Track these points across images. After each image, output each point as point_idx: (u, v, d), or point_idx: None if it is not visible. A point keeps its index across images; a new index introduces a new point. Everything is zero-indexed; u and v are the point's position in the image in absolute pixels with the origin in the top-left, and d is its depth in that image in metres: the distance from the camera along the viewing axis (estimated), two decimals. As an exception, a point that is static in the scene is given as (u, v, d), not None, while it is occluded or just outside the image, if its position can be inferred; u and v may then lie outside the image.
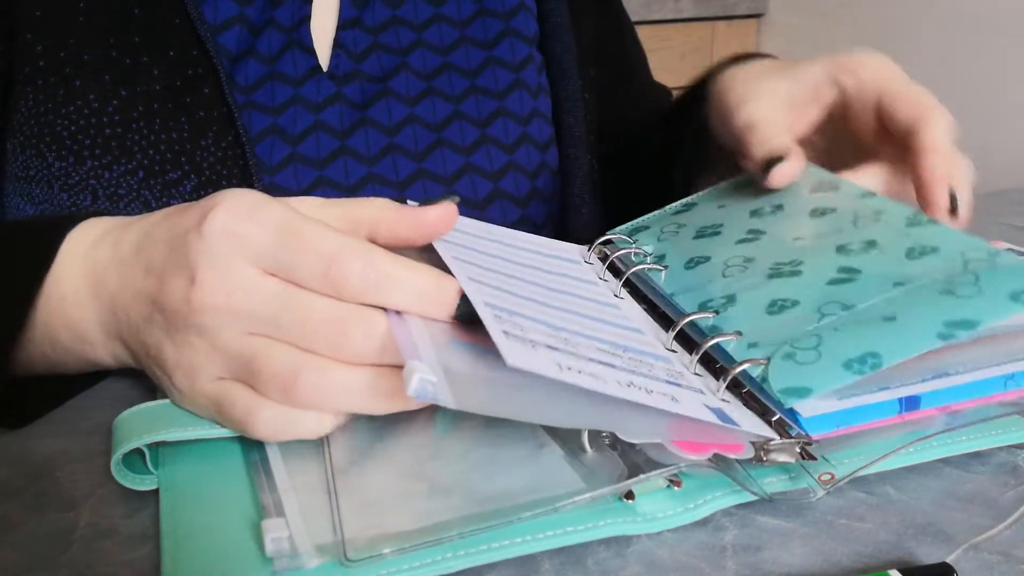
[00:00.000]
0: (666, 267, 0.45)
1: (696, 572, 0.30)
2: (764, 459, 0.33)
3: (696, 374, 0.37)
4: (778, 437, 0.33)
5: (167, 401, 0.36)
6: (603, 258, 0.48)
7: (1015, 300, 0.32)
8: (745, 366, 0.35)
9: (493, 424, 0.36)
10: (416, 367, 0.29)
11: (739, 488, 0.32)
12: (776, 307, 0.38)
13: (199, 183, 0.51)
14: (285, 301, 0.33)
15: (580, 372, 0.31)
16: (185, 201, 0.47)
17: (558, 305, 0.38)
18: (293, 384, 0.33)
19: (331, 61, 0.57)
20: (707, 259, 0.44)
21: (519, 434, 0.35)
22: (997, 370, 0.34)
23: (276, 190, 0.53)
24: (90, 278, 0.38)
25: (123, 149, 0.50)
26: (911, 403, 0.34)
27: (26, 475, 0.35)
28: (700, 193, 0.53)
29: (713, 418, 0.32)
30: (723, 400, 0.35)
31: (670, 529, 0.32)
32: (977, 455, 0.36)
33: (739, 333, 0.38)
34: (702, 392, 0.35)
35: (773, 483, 0.33)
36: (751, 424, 0.33)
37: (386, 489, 0.33)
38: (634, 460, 0.33)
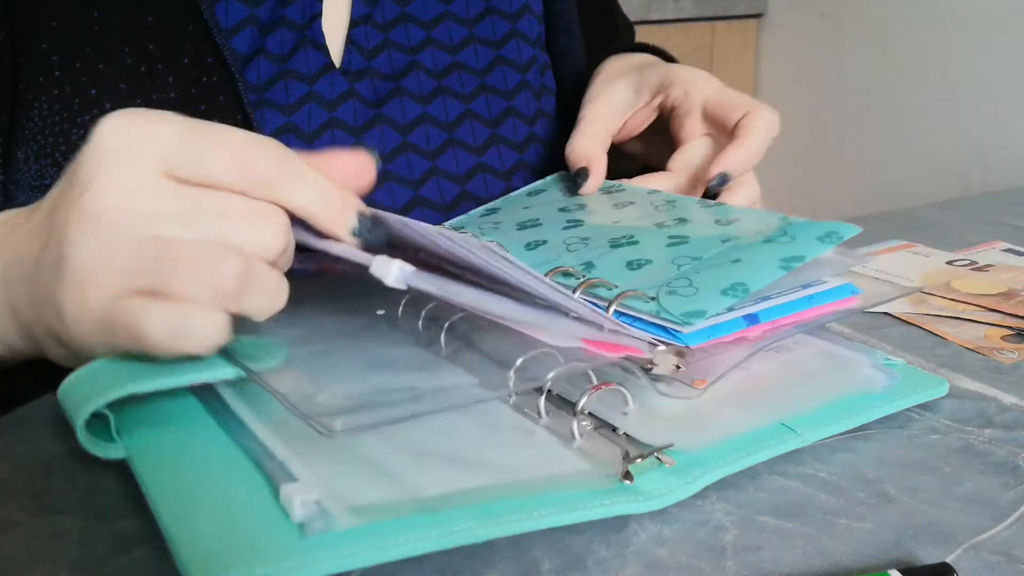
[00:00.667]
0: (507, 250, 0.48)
1: (696, 572, 0.30)
2: (652, 366, 0.38)
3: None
4: (663, 346, 0.38)
5: (105, 360, 0.35)
6: None
7: (822, 241, 0.42)
8: (632, 296, 0.40)
9: (477, 412, 0.37)
10: (387, 261, 0.32)
11: (727, 463, 0.34)
12: (635, 265, 0.44)
13: None
14: (195, 197, 0.32)
15: (527, 274, 0.34)
16: None
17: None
18: (215, 270, 0.32)
19: (344, 58, 0.58)
20: (544, 242, 0.49)
21: (509, 421, 0.36)
22: (801, 293, 0.42)
23: None
24: None
25: None
26: (751, 319, 0.40)
27: (26, 475, 0.35)
28: (499, 199, 0.58)
29: (620, 323, 0.37)
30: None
31: (671, 507, 0.32)
32: (977, 454, 0.36)
33: (615, 286, 0.42)
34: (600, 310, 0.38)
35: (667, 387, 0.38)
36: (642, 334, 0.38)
37: (392, 457, 0.33)
38: (621, 445, 0.34)
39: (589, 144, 0.56)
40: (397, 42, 0.60)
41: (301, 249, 0.37)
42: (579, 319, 0.36)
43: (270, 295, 0.34)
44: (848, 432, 0.38)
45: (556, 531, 0.32)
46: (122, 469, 0.35)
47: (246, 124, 0.52)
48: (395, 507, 0.30)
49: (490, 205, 0.57)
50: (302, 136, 0.55)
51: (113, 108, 0.50)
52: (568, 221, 0.51)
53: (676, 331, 0.38)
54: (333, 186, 0.35)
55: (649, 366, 0.38)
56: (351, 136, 0.56)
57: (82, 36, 0.51)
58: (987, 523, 0.32)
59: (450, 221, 0.56)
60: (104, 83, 0.51)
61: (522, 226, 0.52)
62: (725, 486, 0.34)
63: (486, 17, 0.63)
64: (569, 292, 0.36)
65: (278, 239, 0.34)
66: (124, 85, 0.51)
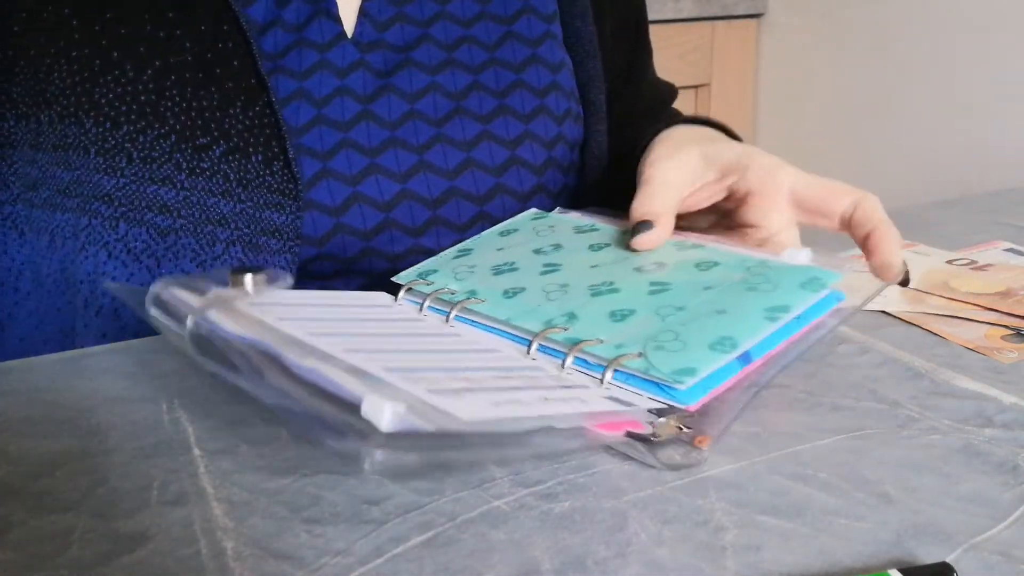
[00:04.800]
0: (483, 300, 0.46)
1: (696, 572, 0.30)
2: (655, 436, 0.37)
3: (569, 379, 0.40)
4: (658, 417, 0.37)
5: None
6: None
7: (805, 288, 0.42)
8: (626, 359, 0.39)
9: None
10: (377, 400, 0.29)
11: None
12: (618, 316, 0.42)
13: (228, 148, 0.54)
14: None
15: (511, 403, 0.33)
16: (214, 164, 0.53)
17: (424, 348, 0.40)
18: None
19: (356, 29, 0.60)
20: (523, 289, 0.47)
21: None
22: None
23: (303, 151, 0.56)
24: None
25: (157, 115, 0.53)
26: (744, 359, 0.39)
27: (26, 475, 0.35)
28: (469, 240, 0.56)
29: (615, 405, 0.36)
30: (609, 390, 0.39)
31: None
32: (977, 454, 0.37)
33: (600, 340, 0.41)
34: (588, 387, 0.38)
35: (672, 455, 0.37)
36: (641, 403, 0.38)
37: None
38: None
39: (660, 204, 0.50)
40: (410, 15, 0.61)
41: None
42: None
43: None
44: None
45: (556, 531, 0.32)
46: (122, 469, 0.35)
47: (260, 88, 0.54)
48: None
49: (462, 246, 0.55)
50: (313, 102, 0.57)
51: (132, 68, 0.54)
52: (545, 265, 0.49)
53: (672, 388, 0.38)
54: None
55: (653, 437, 0.37)
56: (359, 104, 0.58)
57: (102, 2, 0.53)
58: (987, 523, 0.32)
59: (422, 264, 0.53)
60: (123, 45, 0.53)
61: (498, 271, 0.49)
62: (725, 486, 0.34)
63: None
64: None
65: None
66: (143, 48, 0.53)
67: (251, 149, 0.54)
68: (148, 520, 0.32)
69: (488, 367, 0.39)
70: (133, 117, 0.53)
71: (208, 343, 0.35)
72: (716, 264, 0.46)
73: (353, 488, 0.34)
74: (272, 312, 0.39)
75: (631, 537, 0.31)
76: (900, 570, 0.29)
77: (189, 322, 0.36)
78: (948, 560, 0.30)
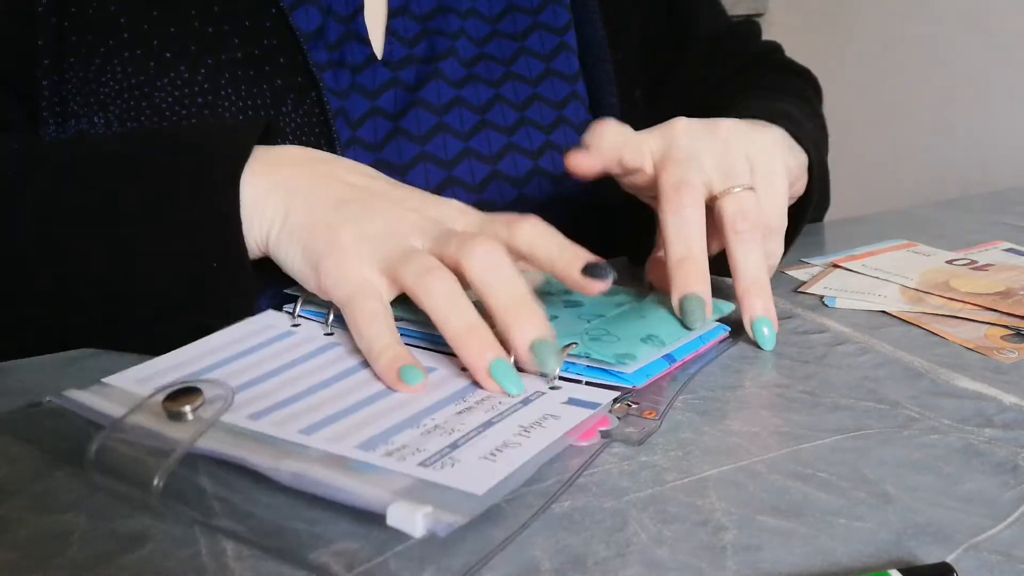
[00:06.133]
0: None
1: (696, 572, 0.30)
2: (618, 418, 0.39)
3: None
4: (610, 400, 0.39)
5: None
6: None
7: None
8: (572, 347, 0.41)
9: None
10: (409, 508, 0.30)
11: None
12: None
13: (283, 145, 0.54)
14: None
15: (500, 450, 0.34)
16: None
17: (368, 395, 0.39)
18: None
19: (384, 48, 0.60)
20: None
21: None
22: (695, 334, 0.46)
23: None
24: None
25: (215, 116, 0.53)
26: (670, 359, 0.44)
27: (26, 475, 0.35)
28: None
29: (586, 412, 0.38)
30: (562, 389, 0.40)
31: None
32: (977, 454, 0.37)
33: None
34: (544, 393, 0.39)
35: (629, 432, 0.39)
36: (599, 397, 0.39)
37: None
38: None
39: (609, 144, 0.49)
40: (436, 29, 0.62)
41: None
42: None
43: None
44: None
45: (556, 531, 0.32)
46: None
47: (310, 84, 0.54)
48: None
49: None
50: (349, 123, 0.57)
51: (187, 69, 0.53)
52: None
53: (619, 372, 0.41)
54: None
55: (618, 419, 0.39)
56: (389, 122, 0.58)
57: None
58: (987, 523, 0.32)
59: None
60: (175, 45, 0.53)
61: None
62: (725, 486, 0.34)
63: (507, 15, 0.65)
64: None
65: None
66: (194, 46, 0.53)
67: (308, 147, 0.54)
68: (148, 520, 0.32)
69: (442, 400, 0.39)
70: (193, 120, 0.52)
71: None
72: (620, 291, 0.50)
73: (353, 488, 0.34)
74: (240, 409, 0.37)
75: (631, 537, 0.31)
76: (900, 570, 0.29)
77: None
78: (948, 560, 0.30)
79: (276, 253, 0.44)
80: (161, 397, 0.36)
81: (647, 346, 0.43)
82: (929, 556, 0.30)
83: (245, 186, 0.44)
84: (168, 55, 0.53)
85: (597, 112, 0.67)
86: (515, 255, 0.43)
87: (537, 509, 0.33)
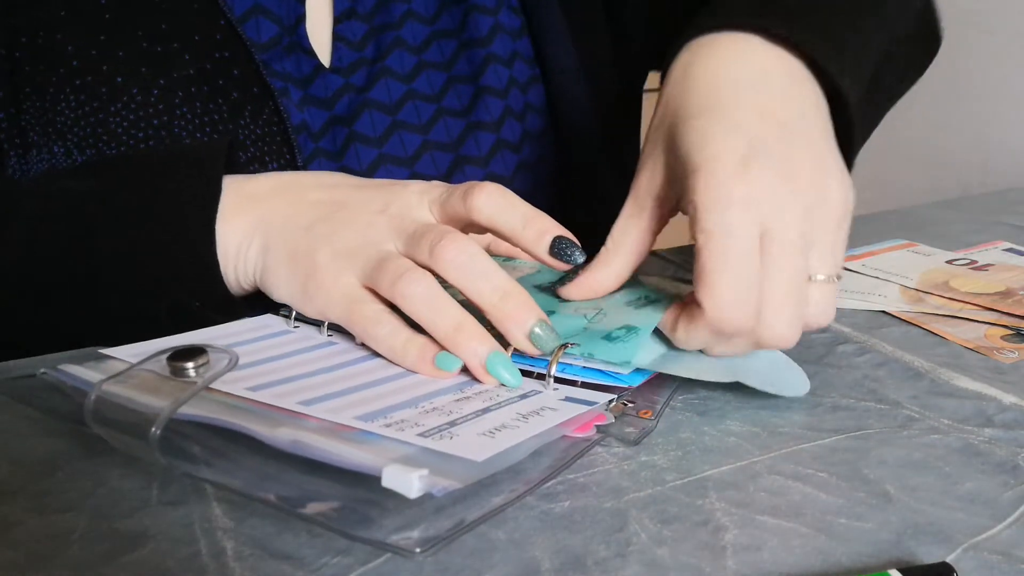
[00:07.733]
0: None
1: (696, 572, 0.30)
2: (615, 417, 0.39)
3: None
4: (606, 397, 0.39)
5: None
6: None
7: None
8: (571, 347, 0.41)
9: None
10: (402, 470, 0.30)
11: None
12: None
13: (247, 158, 0.53)
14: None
15: (499, 430, 0.34)
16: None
17: (366, 382, 0.40)
18: None
19: (332, 55, 0.58)
20: None
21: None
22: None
23: None
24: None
25: (172, 136, 0.52)
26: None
27: (26, 475, 0.35)
28: None
29: (583, 407, 0.38)
30: (559, 389, 0.40)
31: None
32: (977, 454, 0.37)
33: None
34: (541, 391, 0.39)
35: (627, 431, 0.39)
36: (596, 397, 0.39)
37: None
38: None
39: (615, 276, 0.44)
40: (380, 24, 0.60)
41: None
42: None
43: None
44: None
45: (556, 531, 0.32)
46: (122, 469, 0.35)
47: (267, 95, 0.53)
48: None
49: None
50: (312, 135, 0.56)
51: (140, 92, 0.52)
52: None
53: (614, 372, 0.41)
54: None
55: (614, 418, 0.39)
56: (346, 128, 0.57)
57: (94, 24, 0.52)
58: (987, 523, 0.32)
59: None
60: (126, 68, 0.52)
61: None
62: (725, 486, 0.34)
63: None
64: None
65: None
66: (145, 68, 0.52)
67: (268, 158, 0.53)
68: (148, 520, 0.32)
69: (440, 389, 0.39)
70: (151, 142, 0.52)
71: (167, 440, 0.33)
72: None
73: (353, 488, 0.34)
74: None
75: (631, 537, 0.31)
76: (900, 570, 0.29)
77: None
78: (948, 560, 0.30)
79: (267, 289, 0.45)
80: (165, 357, 0.36)
81: (634, 339, 0.41)
82: (929, 556, 0.30)
83: (222, 232, 0.45)
84: (119, 79, 0.52)
85: (544, 66, 0.63)
86: (478, 230, 0.43)
87: (533, 485, 0.33)
